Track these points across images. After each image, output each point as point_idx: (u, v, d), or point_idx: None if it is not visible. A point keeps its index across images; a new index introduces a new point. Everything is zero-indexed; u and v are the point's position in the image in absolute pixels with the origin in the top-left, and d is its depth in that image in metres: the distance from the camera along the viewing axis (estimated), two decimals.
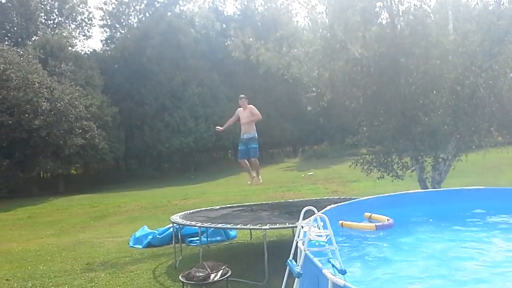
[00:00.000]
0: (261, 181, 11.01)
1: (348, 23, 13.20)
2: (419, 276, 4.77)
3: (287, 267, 4.80)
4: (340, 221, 6.49)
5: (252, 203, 13.60)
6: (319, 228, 4.73)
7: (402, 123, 13.01)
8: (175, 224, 9.68)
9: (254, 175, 10.74)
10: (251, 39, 15.05)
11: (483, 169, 19.51)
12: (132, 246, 11.88)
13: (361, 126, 14.44)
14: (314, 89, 16.52)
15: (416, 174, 13.45)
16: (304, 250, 4.40)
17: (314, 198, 13.51)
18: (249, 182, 11.08)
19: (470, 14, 13.18)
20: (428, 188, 12.87)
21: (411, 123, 12.85)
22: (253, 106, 10.49)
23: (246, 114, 10.16)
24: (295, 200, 13.73)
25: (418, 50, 12.43)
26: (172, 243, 10.36)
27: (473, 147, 13.00)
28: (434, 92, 12.57)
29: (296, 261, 4.64)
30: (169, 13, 46.47)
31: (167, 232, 11.77)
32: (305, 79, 15.46)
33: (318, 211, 5.45)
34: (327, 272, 3.85)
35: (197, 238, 10.30)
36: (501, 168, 20.39)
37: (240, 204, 13.05)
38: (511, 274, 4.78)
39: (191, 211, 11.50)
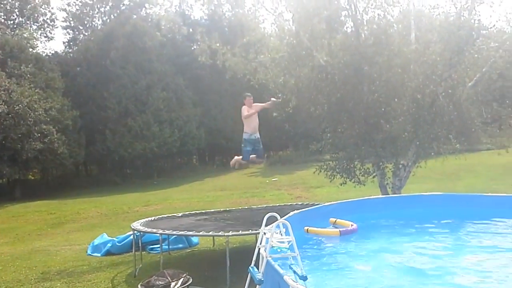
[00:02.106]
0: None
1: (314, 31, 13.33)
2: (381, 281, 4.79)
3: (249, 274, 4.71)
4: (306, 227, 6.49)
5: (215, 210, 13.44)
6: (281, 235, 4.67)
7: (364, 130, 13.21)
8: (135, 232, 9.43)
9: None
10: (217, 44, 14.97)
11: (442, 175, 20.10)
12: (90, 254, 11.49)
13: (325, 132, 14.59)
14: (280, 95, 16.59)
15: (377, 180, 13.68)
16: (266, 257, 4.33)
17: (278, 204, 13.51)
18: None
19: (432, 25, 13.57)
20: (388, 194, 13.10)
21: (373, 130, 13.08)
22: (257, 104, 10.14)
23: (255, 113, 9.69)
24: (259, 206, 13.67)
25: (381, 59, 12.68)
26: (132, 251, 10.08)
27: (432, 154, 13.34)
28: (396, 100, 12.84)
29: (258, 268, 4.56)
30: (134, 16, 45.76)
31: (127, 239, 11.45)
32: (271, 85, 15.48)
33: (282, 217, 5.40)
34: (288, 278, 3.80)
35: (158, 245, 10.05)
36: (459, 175, 21.04)
37: (203, 211, 12.86)
38: (469, 278, 4.86)
39: (152, 218, 11.24)
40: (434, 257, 5.65)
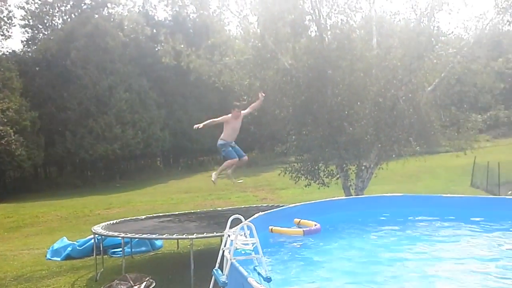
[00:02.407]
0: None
1: (279, 34, 13.43)
2: (343, 279, 4.86)
3: (213, 277, 4.69)
4: (270, 227, 6.50)
5: (180, 212, 13.30)
6: (246, 237, 4.67)
7: (328, 132, 13.40)
8: (96, 235, 9.19)
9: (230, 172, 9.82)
10: (182, 45, 14.84)
11: (403, 177, 20.64)
12: (50, 259, 11.13)
13: (290, 134, 14.70)
14: (245, 97, 16.60)
15: (341, 181, 13.91)
16: (230, 259, 4.32)
17: (243, 206, 13.50)
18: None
19: (393, 31, 13.95)
20: (351, 195, 13.34)
21: (337, 132, 13.29)
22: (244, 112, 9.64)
23: (239, 124, 9.27)
24: (224, 208, 13.63)
25: (344, 63, 12.91)
26: (93, 255, 9.82)
27: (394, 156, 13.69)
28: (358, 103, 13.09)
29: (222, 271, 4.54)
30: (96, 16, 44.75)
31: (88, 243, 11.16)
32: (236, 88, 15.48)
33: (246, 219, 5.40)
34: (252, 280, 3.80)
35: (120, 249, 9.85)
36: (419, 176, 21.68)
37: (167, 213, 12.70)
38: (429, 276, 5.00)
39: (115, 221, 11.00)
40: (393, 256, 5.79)
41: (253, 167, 34.64)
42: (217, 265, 4.70)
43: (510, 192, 17.08)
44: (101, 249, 9.61)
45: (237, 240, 4.43)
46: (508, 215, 7.17)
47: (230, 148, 9.31)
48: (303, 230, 6.41)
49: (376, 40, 13.84)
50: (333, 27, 13.74)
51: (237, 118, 9.22)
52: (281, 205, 10.33)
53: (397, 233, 6.92)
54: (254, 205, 13.08)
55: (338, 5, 13.69)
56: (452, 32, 14.46)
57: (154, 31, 43.59)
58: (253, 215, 6.45)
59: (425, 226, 7.19)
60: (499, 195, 16.25)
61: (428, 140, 14.10)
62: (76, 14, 47.55)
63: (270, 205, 12.23)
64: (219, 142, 9.22)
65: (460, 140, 14.65)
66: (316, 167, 13.86)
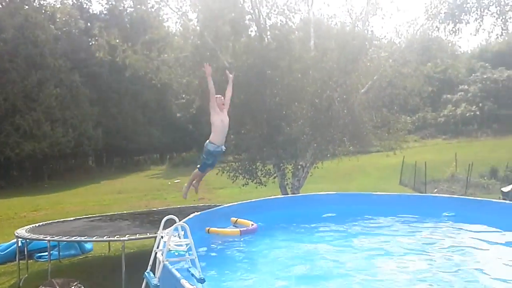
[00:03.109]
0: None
1: (219, 32, 13.32)
2: (279, 278, 4.84)
3: (144, 280, 4.50)
4: (207, 228, 6.39)
5: (112, 213, 12.77)
6: (179, 237, 4.52)
7: (267, 132, 13.48)
8: (20, 239, 8.59)
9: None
10: (117, 40, 14.31)
11: (337, 176, 21.20)
12: None
13: (228, 134, 14.60)
14: (184, 95, 16.30)
15: (278, 180, 14.04)
16: (163, 261, 4.16)
17: (179, 206, 13.22)
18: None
19: (329, 33, 14.29)
20: (288, 194, 13.50)
21: (275, 132, 13.40)
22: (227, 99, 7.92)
23: (227, 119, 7.65)
24: (159, 208, 13.29)
25: (282, 63, 13.04)
26: (16, 260, 9.17)
27: (328, 155, 14.03)
28: (296, 103, 13.28)
29: (154, 273, 4.37)
30: (26, 7, 42.11)
31: (11, 247, 10.40)
32: (175, 85, 15.18)
33: (181, 220, 5.25)
34: (185, 282, 3.68)
35: (47, 253, 9.27)
36: (352, 175, 22.41)
37: (99, 215, 12.15)
38: (366, 272, 5.11)
39: (41, 223, 10.35)
40: (328, 253, 5.87)
41: (191, 166, 34.18)
42: (149, 267, 4.51)
43: (435, 190, 18.09)
44: (26, 253, 9.00)
45: (170, 241, 4.28)
46: (434, 213, 7.52)
47: (210, 162, 7.53)
48: (240, 230, 6.39)
49: (313, 42, 14.12)
50: (272, 28, 13.85)
51: (223, 110, 7.63)
52: (218, 204, 10.21)
53: (332, 230, 7.04)
54: (191, 205, 12.85)
55: (277, 6, 13.83)
56: (385, 36, 15.13)
57: (88, 24, 41.88)
58: (188, 215, 6.31)
59: (357, 223, 7.38)
60: (425, 193, 17.16)
61: (361, 140, 14.60)
62: (3, 4, 44.50)
63: (207, 204, 12.07)
64: (209, 146, 7.37)
65: (390, 140, 15.32)
66: (253, 167, 13.90)
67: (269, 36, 13.89)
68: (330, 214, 7.67)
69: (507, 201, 11.17)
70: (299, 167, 13.70)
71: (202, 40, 13.45)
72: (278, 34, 13.50)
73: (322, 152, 13.71)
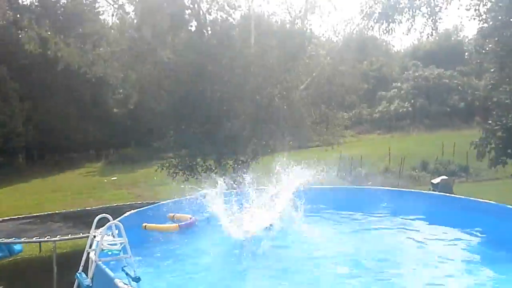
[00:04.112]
0: None
1: (157, 27, 13.02)
2: (218, 272, 4.81)
3: (76, 281, 4.33)
4: (144, 224, 6.22)
5: (44, 213, 12.14)
6: (113, 237, 4.39)
7: (207, 128, 13.39)
8: None
9: None
10: (48, 32, 13.62)
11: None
12: None
13: (168, 130, 14.40)
14: (121, 90, 15.82)
15: (218, 176, 13.99)
16: (95, 261, 4.01)
17: (115, 205, 12.81)
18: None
19: (270, 30, 14.39)
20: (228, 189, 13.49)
21: (216, 128, 13.32)
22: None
23: None
24: (94, 207, 12.82)
25: (223, 60, 12.99)
26: None
27: (269, 150, 14.17)
28: (237, 99, 13.28)
29: (87, 273, 4.21)
30: None
31: None
32: (111, 80, 14.69)
33: (117, 218, 5.09)
34: (119, 281, 3.58)
35: None
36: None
37: (29, 215, 11.53)
38: (303, 261, 5.21)
39: None
40: (271, 246, 5.90)
41: (128, 163, 33.30)
42: (81, 268, 4.35)
43: (370, 182, 18.82)
44: None
45: (103, 240, 4.13)
46: (370, 203, 7.78)
47: None
48: (178, 225, 6.28)
49: (254, 38, 14.16)
50: (213, 23, 13.76)
51: None
52: (156, 202, 9.98)
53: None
54: (128, 203, 12.52)
55: (217, 2, 13.75)
56: (323, 34, 15.48)
57: (18, 16, 39.45)
58: (124, 214, 6.13)
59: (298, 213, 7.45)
60: (361, 186, 17.81)
61: (301, 136, 14.89)
62: None
63: (145, 202, 11.78)
64: None
65: (329, 135, 15.77)
66: (194, 163, 13.77)
67: (209, 32, 13.78)
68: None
69: (437, 192, 11.90)
70: (240, 162, 13.74)
71: (139, 34, 13.09)
72: (218, 30, 13.44)
73: (262, 148, 13.83)
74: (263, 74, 13.18)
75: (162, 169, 13.81)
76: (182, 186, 14.11)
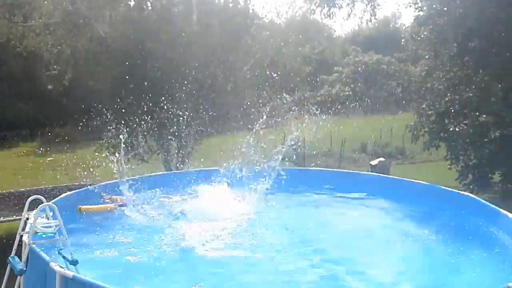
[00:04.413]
0: None
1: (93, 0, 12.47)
2: (155, 253, 4.78)
3: (8, 265, 4.12)
4: (78, 206, 6.02)
5: None
6: (48, 219, 4.20)
7: (148, 107, 13.06)
8: None
9: None
10: None
11: (221, 153, 21.39)
12: None
13: (107, 108, 13.91)
14: (55, 66, 15.09)
15: (161, 157, 13.79)
16: (29, 244, 3.84)
17: (51, 186, 12.31)
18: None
19: (212, 9, 14.18)
20: (172, 170, 13.33)
21: (157, 107, 13.04)
22: None
23: None
24: (29, 188, 12.24)
25: (164, 37, 12.67)
26: None
27: (214, 132, 14.11)
28: (179, 79, 13.04)
29: (20, 257, 4.02)
30: None
31: None
32: (45, 55, 13.94)
33: (52, 200, 4.89)
34: (54, 265, 3.45)
35: None
36: (235, 152, 22.80)
37: None
38: (248, 239, 5.29)
39: None
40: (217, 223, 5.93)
41: (65, 143, 31.93)
42: (13, 251, 4.14)
43: (313, 164, 19.30)
44: None
45: (36, 222, 3.95)
46: (314, 184, 8.00)
47: None
48: (115, 205, 6.19)
49: (196, 17, 13.90)
50: None
51: None
52: (94, 183, 9.67)
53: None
54: (64, 185, 12.05)
55: None
56: (266, 16, 15.49)
57: None
58: (60, 195, 5.91)
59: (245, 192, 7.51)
60: (304, 167, 18.23)
61: (244, 118, 14.92)
62: None
63: (82, 183, 11.38)
64: None
65: (272, 117, 15.91)
66: (135, 143, 13.43)
67: (150, 7, 13.37)
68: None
69: (374, 173, 12.47)
70: (183, 143, 13.58)
71: (74, 6, 12.46)
72: (159, 6, 13.06)
73: (206, 129, 13.75)
74: (206, 53, 13.02)
75: (102, 149, 13.37)
76: (122, 167, 13.87)
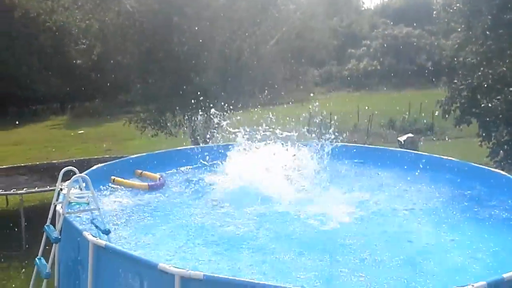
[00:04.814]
0: None
1: None
2: (186, 236, 4.78)
3: (44, 234, 4.30)
4: (112, 177, 6.08)
5: (8, 166, 11.85)
6: (81, 189, 4.34)
7: (175, 82, 13.15)
8: None
9: None
10: None
11: (248, 127, 21.50)
12: None
13: (134, 83, 14.08)
14: (84, 41, 15.27)
15: (188, 131, 13.93)
16: (63, 214, 3.98)
17: (82, 158, 12.63)
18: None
19: None
20: (199, 145, 13.47)
21: (184, 82, 13.10)
22: None
23: None
24: (60, 161, 12.60)
25: (190, 10, 12.61)
26: None
27: (239, 106, 14.11)
28: (205, 53, 13.03)
29: (55, 226, 4.18)
30: None
31: None
32: (73, 29, 14.10)
33: (84, 171, 5.00)
34: (87, 234, 3.58)
35: None
36: (263, 126, 22.83)
37: None
38: (264, 213, 5.29)
39: None
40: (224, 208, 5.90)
41: (95, 117, 32.59)
42: (48, 220, 4.30)
43: (340, 139, 19.19)
44: None
45: (70, 193, 4.09)
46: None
47: None
48: (148, 184, 6.19)
49: None
50: None
51: None
52: (125, 156, 9.87)
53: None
54: (95, 157, 12.36)
55: None
56: None
57: None
58: (91, 167, 6.02)
59: None
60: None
61: (271, 92, 14.87)
62: None
63: (113, 156, 11.65)
64: None
65: (299, 92, 15.83)
66: (163, 117, 13.61)
67: None
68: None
69: (403, 149, 12.27)
70: (210, 118, 13.65)
71: None
72: None
73: (233, 103, 13.75)
74: (232, 27, 12.92)
75: (130, 123, 13.60)
76: (151, 140, 14.12)
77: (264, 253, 4.21)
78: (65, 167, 4.43)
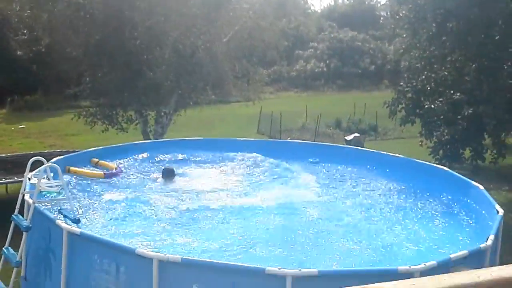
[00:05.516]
0: None
1: None
2: (141, 221, 4.88)
3: (12, 223, 4.21)
4: (67, 167, 6.00)
5: None
6: (48, 179, 4.29)
7: (126, 76, 12.94)
8: None
9: None
10: None
11: (199, 124, 21.42)
12: None
13: (83, 76, 13.71)
14: (26, 31, 14.63)
15: (140, 127, 13.76)
16: (33, 203, 3.93)
17: (27, 153, 12.09)
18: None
19: None
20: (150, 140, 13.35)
21: (136, 77, 12.93)
22: None
23: None
24: (6, 155, 12.05)
25: (142, 4, 12.47)
26: None
27: (191, 103, 14.13)
28: (158, 48, 12.92)
29: (23, 216, 4.11)
30: None
31: None
32: (14, 19, 13.50)
33: (50, 161, 4.92)
34: (62, 222, 3.57)
35: None
36: (213, 124, 22.83)
37: None
38: (232, 210, 5.47)
39: None
40: (193, 195, 6.05)
41: (36, 111, 31.10)
42: (16, 210, 4.21)
43: (289, 138, 19.62)
44: None
45: (40, 182, 4.04)
46: (287, 155, 8.18)
47: None
48: (104, 173, 6.19)
49: None
50: None
51: None
52: (75, 150, 9.61)
53: (195, 173, 7.19)
54: (40, 152, 11.91)
55: None
56: None
57: None
58: (52, 159, 5.88)
59: (223, 164, 7.66)
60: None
61: (222, 90, 14.98)
62: None
63: (57, 150, 11.32)
64: None
65: (249, 91, 16.04)
66: (114, 112, 13.35)
67: None
68: (198, 158, 7.81)
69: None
70: (163, 114, 13.57)
71: None
72: None
73: (185, 100, 13.74)
74: (186, 23, 12.89)
75: (79, 117, 13.22)
76: (99, 135, 13.76)
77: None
78: (11, 161, 4.39)
